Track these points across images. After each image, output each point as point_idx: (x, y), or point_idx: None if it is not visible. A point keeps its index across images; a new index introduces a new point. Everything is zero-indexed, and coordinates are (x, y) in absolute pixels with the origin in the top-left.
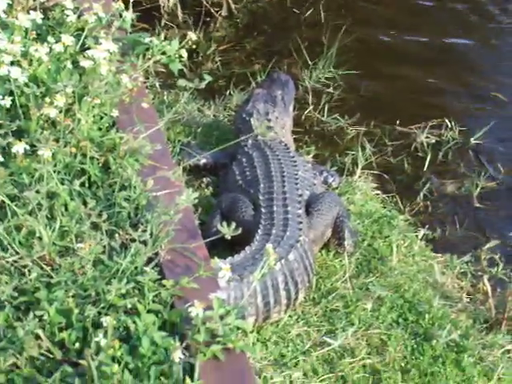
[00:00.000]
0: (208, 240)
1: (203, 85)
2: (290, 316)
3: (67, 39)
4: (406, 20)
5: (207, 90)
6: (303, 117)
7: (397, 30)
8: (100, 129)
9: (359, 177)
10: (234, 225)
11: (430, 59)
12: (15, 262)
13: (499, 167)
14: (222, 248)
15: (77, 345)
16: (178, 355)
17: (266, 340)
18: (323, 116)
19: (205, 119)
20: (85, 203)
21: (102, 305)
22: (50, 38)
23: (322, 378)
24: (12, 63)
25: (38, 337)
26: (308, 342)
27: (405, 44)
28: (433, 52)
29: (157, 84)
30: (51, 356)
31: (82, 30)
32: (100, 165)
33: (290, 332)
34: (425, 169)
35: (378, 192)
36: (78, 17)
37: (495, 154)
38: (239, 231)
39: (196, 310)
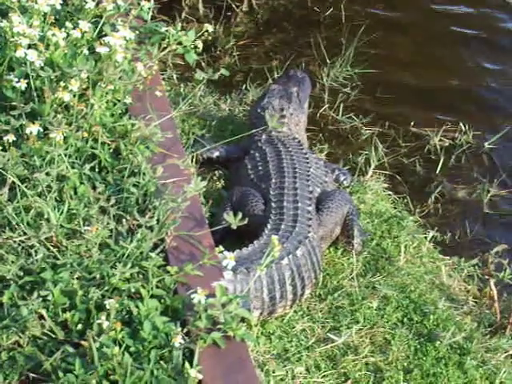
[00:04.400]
0: (215, 229)
1: (216, 76)
2: (295, 311)
3: (85, 25)
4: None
5: (224, 84)
6: (318, 115)
7: (414, 33)
8: (113, 115)
9: (371, 176)
10: (240, 215)
11: (448, 61)
12: (22, 242)
13: None
14: (230, 242)
15: (79, 326)
16: (178, 340)
17: (270, 334)
18: (338, 115)
19: (220, 113)
20: (94, 187)
21: (106, 288)
22: (68, 24)
23: (325, 373)
24: (29, 46)
25: (41, 316)
26: (312, 337)
27: (423, 46)
28: (451, 54)
29: (174, 76)
30: (53, 336)
31: (100, 17)
32: (111, 150)
33: (294, 327)
34: (437, 172)
35: (390, 192)
36: (97, 4)
37: (509, 160)
38: (245, 221)
39: (198, 296)
